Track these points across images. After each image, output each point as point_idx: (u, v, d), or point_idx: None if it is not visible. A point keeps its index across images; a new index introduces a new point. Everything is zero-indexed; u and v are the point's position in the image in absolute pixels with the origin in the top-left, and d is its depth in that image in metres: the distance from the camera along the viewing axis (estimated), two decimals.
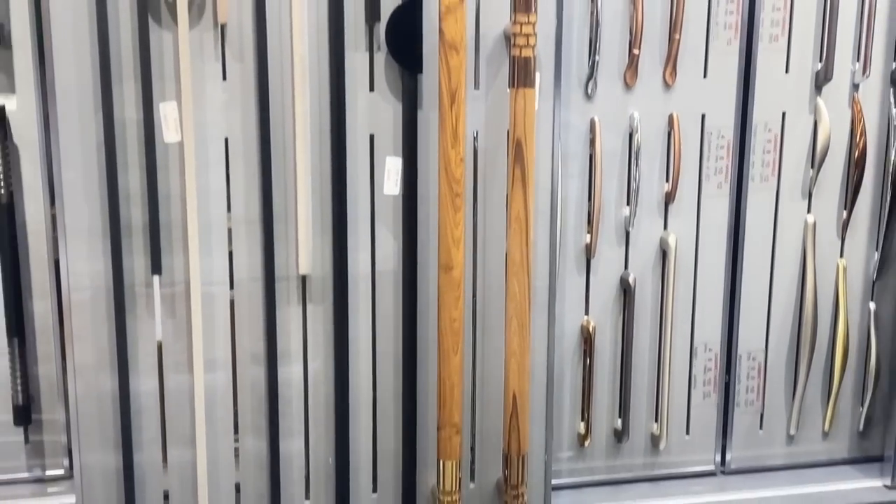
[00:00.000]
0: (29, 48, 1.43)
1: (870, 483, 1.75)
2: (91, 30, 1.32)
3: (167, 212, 1.40)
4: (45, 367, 1.58)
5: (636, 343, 1.67)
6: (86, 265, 1.39)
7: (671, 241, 1.61)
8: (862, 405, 1.77)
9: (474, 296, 1.50)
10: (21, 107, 1.45)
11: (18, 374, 1.55)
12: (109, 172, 1.35)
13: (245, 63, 1.38)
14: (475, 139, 1.46)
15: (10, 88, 1.45)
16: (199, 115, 1.38)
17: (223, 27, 1.35)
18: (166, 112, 1.36)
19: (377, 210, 1.46)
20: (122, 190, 1.37)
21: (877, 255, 1.72)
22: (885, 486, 1.73)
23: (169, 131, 1.36)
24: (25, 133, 1.47)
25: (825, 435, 1.78)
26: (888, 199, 1.68)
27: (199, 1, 1.33)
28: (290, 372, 1.50)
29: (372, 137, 1.43)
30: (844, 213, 1.69)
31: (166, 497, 1.50)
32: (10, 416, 1.55)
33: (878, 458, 1.78)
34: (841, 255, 1.71)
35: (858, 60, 1.61)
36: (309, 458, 1.52)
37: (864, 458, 1.80)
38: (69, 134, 1.35)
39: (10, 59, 1.44)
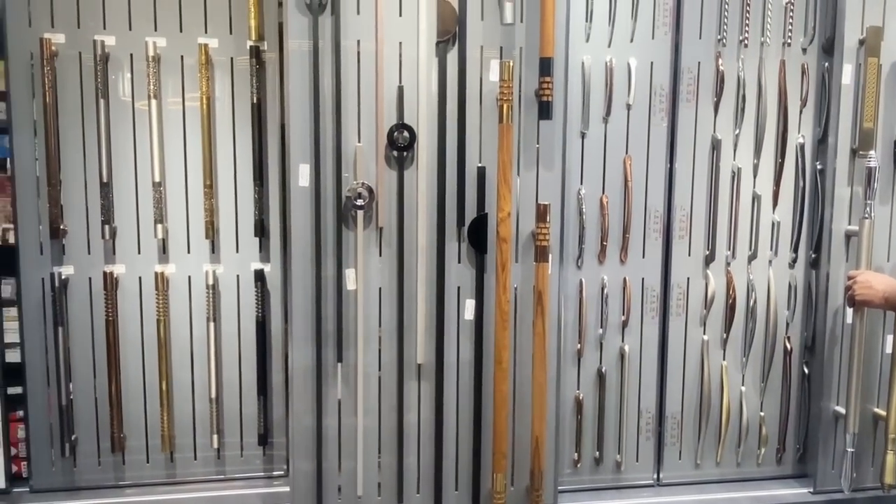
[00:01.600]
0: (278, 237, 1.97)
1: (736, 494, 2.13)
2: (311, 229, 1.84)
3: (348, 327, 1.88)
4: (277, 412, 2.03)
5: (607, 407, 2.10)
6: (301, 355, 1.88)
7: (626, 348, 2.09)
8: (738, 446, 2.18)
9: (514, 379, 1.95)
10: (272, 269, 1.99)
11: (261, 415, 2.00)
12: (317, 306, 1.87)
13: (391, 247, 1.90)
14: (515, 289, 1.95)
15: (267, 259, 2.00)
16: (366, 275, 1.88)
17: (381, 228, 1.89)
18: (349, 273, 1.89)
19: (461, 329, 1.94)
20: (322, 313, 1.86)
21: (744, 359, 2.16)
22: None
23: (349, 283, 1.89)
24: (274, 284, 1.99)
25: (717, 464, 2.17)
26: (750, 326, 2.13)
27: (369, 213, 1.87)
28: (411, 417, 1.95)
29: (459, 288, 1.93)
30: (724, 334, 2.14)
31: (339, 490, 1.93)
32: (255, 440, 2.02)
33: (749, 479, 2.18)
34: (723, 359, 2.14)
35: (729, 249, 2.12)
36: (420, 468, 1.95)
37: (738, 479, 2.18)
38: (298, 284, 1.86)
39: (268, 243, 1.99)
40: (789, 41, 2.06)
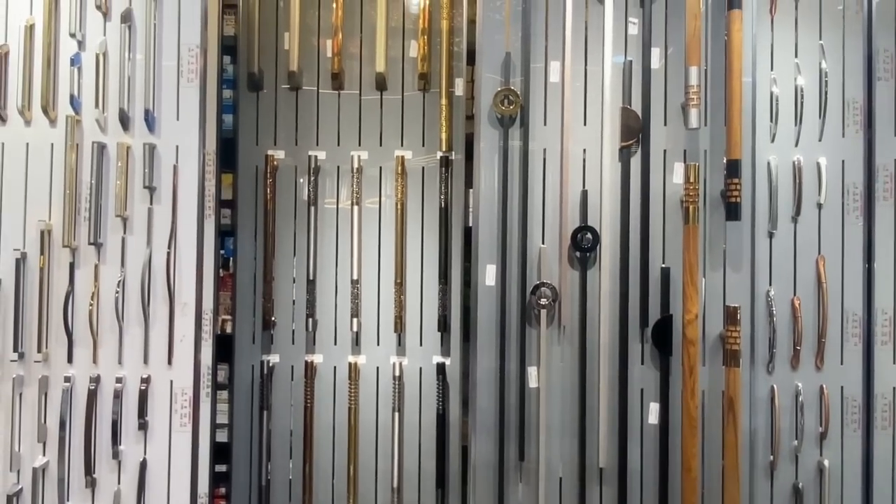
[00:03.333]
0: (458, 332, 2.05)
1: None
2: (497, 326, 1.87)
3: (530, 424, 1.87)
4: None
5: None
6: (484, 450, 1.87)
7: (826, 463, 1.90)
8: None
9: (702, 491, 1.84)
10: (451, 363, 2.05)
11: None
12: (500, 402, 1.88)
13: (574, 346, 1.90)
14: (704, 395, 1.86)
15: (448, 353, 2.06)
16: (548, 373, 1.88)
17: (564, 327, 1.90)
18: (531, 371, 1.89)
19: (645, 433, 1.86)
20: (504, 409, 1.86)
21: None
22: None
23: (532, 380, 1.89)
24: (453, 377, 2.05)
25: None
26: None
27: (552, 312, 1.89)
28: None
29: (642, 391, 1.88)
30: None
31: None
32: None
33: None
34: None
35: None
36: None
37: None
38: (482, 380, 1.88)
39: (448, 338, 2.05)
40: None
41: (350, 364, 2.08)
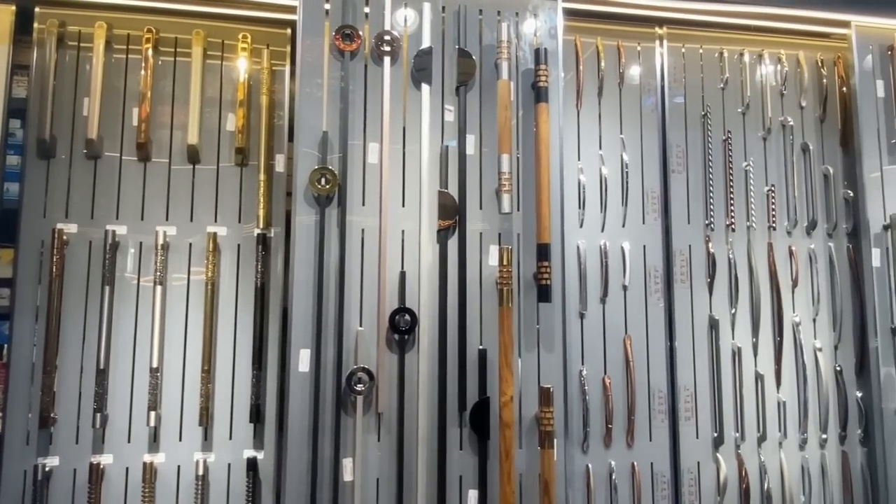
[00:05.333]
0: (273, 423, 1.88)
1: None
2: (309, 415, 1.74)
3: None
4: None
5: None
6: None
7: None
8: None
9: None
10: (265, 457, 1.88)
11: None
12: (312, 498, 1.72)
13: (391, 434, 1.81)
14: (521, 477, 1.83)
15: (261, 446, 1.89)
16: (364, 464, 1.77)
17: (381, 414, 1.80)
18: (346, 463, 1.76)
19: None
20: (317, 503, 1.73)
21: None
22: None
23: (347, 473, 1.76)
24: (266, 473, 1.87)
25: None
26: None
27: (369, 398, 1.80)
28: None
29: (461, 478, 1.81)
30: None
31: None
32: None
33: None
34: None
35: (737, 430, 2.03)
36: None
37: None
38: (293, 474, 1.74)
39: (262, 430, 1.89)
40: (774, 225, 2.12)
41: (145, 464, 1.84)
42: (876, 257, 2.09)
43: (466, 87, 1.94)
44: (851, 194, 2.16)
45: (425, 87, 1.92)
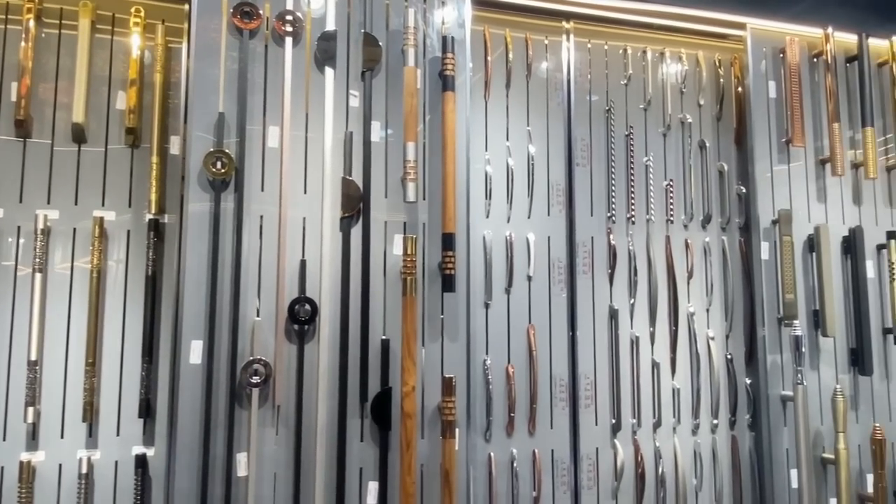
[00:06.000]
0: (165, 418, 1.79)
1: None
2: (201, 409, 1.68)
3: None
4: None
5: None
6: None
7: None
8: None
9: None
10: (156, 454, 1.77)
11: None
12: (202, 495, 1.67)
13: (289, 427, 1.76)
14: (422, 467, 1.82)
15: (151, 443, 1.79)
16: (259, 459, 1.71)
17: (278, 407, 1.75)
18: (240, 458, 1.71)
19: None
20: (208, 499, 1.67)
21: None
22: None
23: (241, 469, 1.71)
24: (157, 470, 1.77)
25: None
26: (661, 496, 2.06)
27: (265, 391, 1.74)
28: None
29: (361, 470, 1.79)
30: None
31: None
32: None
33: None
34: None
35: (634, 417, 2.09)
36: None
37: None
38: (182, 471, 1.67)
39: (153, 425, 1.79)
40: (672, 219, 2.19)
41: (22, 463, 1.71)
42: (765, 250, 2.19)
43: (372, 72, 1.90)
44: (744, 190, 2.26)
45: (329, 71, 1.86)
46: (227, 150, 1.77)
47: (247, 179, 1.79)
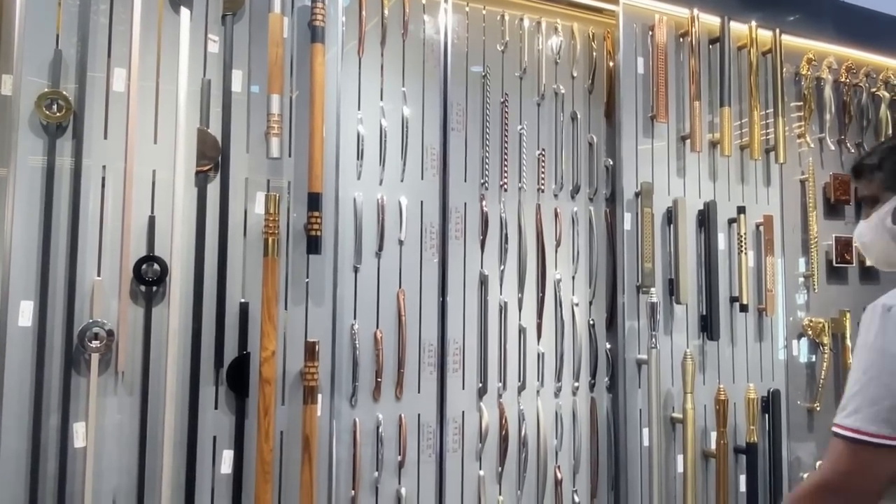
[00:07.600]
0: None
1: None
2: (31, 377, 1.52)
3: (73, 491, 1.55)
4: None
5: None
6: None
7: (403, 491, 1.94)
8: None
9: None
10: None
11: None
12: (33, 469, 1.51)
13: (134, 395, 1.64)
14: (282, 435, 1.76)
15: None
16: (100, 429, 1.58)
17: (122, 374, 1.62)
18: (77, 427, 1.57)
19: (216, 484, 1.68)
20: (39, 477, 1.51)
21: (519, 492, 2.10)
22: None
23: (78, 439, 1.57)
24: None
25: None
26: (524, 457, 2.10)
27: (106, 357, 1.61)
28: None
29: (215, 438, 1.70)
30: (499, 467, 2.07)
31: None
32: None
33: None
34: (500, 494, 2.08)
35: (500, 380, 2.12)
36: None
37: None
38: (10, 444, 1.50)
39: None
40: (542, 188, 2.22)
41: None
42: (627, 221, 2.27)
43: (234, 16, 1.77)
44: (611, 162, 2.32)
45: (185, 12, 1.71)
46: (64, 92, 1.59)
47: (87, 124, 1.62)
